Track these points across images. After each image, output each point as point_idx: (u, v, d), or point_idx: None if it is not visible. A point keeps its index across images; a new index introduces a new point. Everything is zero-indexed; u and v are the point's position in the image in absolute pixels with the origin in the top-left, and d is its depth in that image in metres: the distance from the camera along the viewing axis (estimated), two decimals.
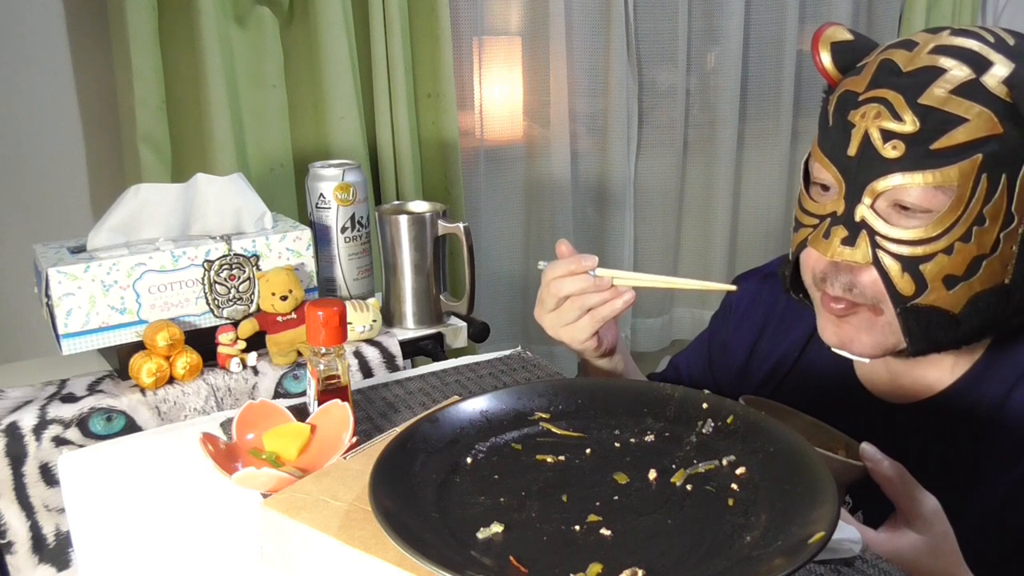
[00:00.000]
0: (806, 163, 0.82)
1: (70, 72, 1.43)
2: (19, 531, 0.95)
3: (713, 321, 1.10)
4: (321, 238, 1.22)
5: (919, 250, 0.73)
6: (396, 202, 1.40)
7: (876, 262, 0.75)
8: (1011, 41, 0.75)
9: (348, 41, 1.47)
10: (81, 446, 0.91)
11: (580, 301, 0.89)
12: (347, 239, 1.22)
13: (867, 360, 0.82)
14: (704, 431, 0.66)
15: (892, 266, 0.74)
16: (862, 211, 0.75)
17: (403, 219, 1.18)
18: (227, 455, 0.70)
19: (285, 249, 1.09)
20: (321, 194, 1.21)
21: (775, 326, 0.99)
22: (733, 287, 0.88)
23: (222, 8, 1.39)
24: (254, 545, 0.61)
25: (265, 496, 0.63)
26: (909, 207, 0.74)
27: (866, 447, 0.71)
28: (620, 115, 1.89)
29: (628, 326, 2.05)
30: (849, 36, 0.82)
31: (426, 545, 0.51)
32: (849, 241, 0.76)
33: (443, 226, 1.19)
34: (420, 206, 1.24)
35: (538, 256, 1.91)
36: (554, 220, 1.88)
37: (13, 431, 0.93)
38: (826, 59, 0.81)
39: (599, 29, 1.84)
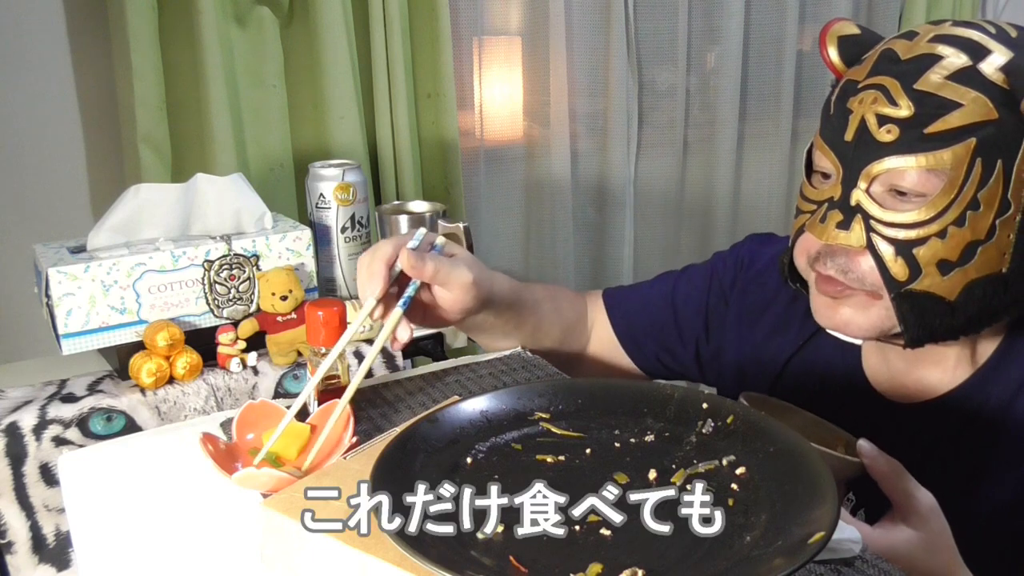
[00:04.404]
0: (809, 152, 0.83)
1: (70, 72, 1.43)
2: (19, 531, 0.95)
3: (717, 262, 1.06)
4: (321, 238, 1.22)
5: (912, 234, 0.74)
6: (396, 202, 1.40)
7: (870, 245, 0.75)
8: (1013, 33, 0.75)
9: (348, 41, 1.47)
10: (81, 446, 0.91)
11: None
12: (347, 239, 1.22)
13: (860, 342, 0.82)
14: (704, 431, 0.66)
15: (886, 250, 0.75)
16: (857, 195, 0.75)
17: (403, 219, 1.18)
18: (227, 455, 0.70)
19: (285, 249, 1.09)
20: (321, 194, 1.21)
21: (781, 310, 0.98)
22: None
23: (222, 8, 1.38)
24: (254, 545, 0.61)
25: (265, 496, 0.63)
26: (903, 191, 0.74)
27: (863, 443, 0.72)
28: (620, 115, 1.89)
29: None
30: (856, 30, 0.83)
31: (426, 545, 0.51)
32: (844, 225, 0.76)
33: (443, 226, 1.19)
34: (420, 206, 1.24)
35: (538, 256, 1.91)
36: (554, 220, 1.88)
37: (13, 431, 0.93)
38: (833, 53, 0.82)
39: (599, 29, 1.84)
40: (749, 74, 2.03)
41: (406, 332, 0.78)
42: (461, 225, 1.19)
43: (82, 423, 0.96)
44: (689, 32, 1.94)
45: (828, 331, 0.83)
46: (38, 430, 0.94)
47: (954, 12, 2.10)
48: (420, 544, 0.51)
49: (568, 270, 1.91)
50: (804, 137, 2.13)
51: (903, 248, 0.74)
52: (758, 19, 2.00)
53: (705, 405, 0.68)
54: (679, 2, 1.90)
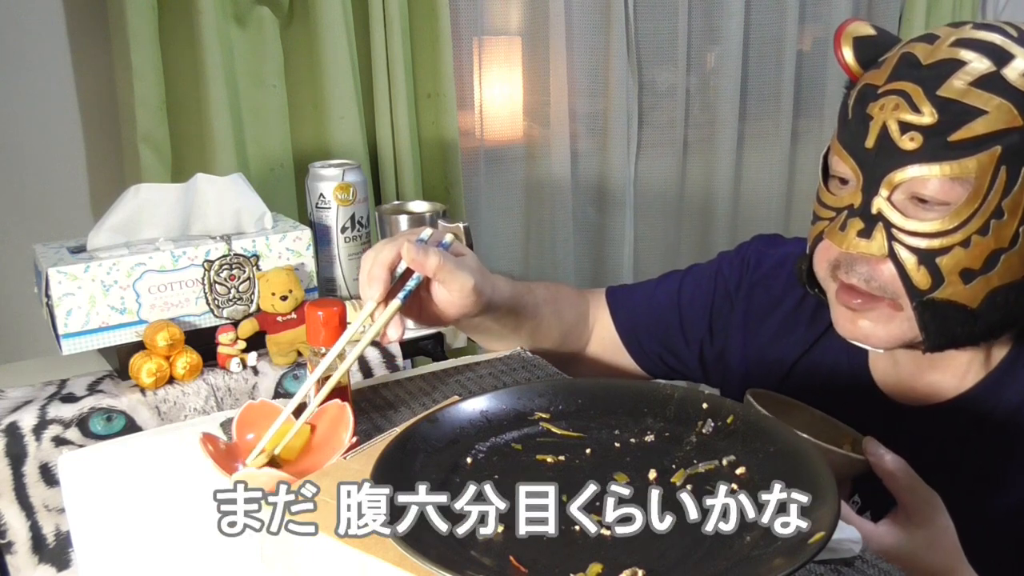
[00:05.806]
0: (825, 157, 0.82)
1: (70, 72, 1.43)
2: (19, 531, 0.95)
3: (723, 263, 1.04)
4: (321, 238, 1.22)
5: (935, 243, 0.73)
6: (396, 202, 1.40)
7: (892, 254, 0.74)
8: None
9: (348, 41, 1.47)
10: (81, 446, 0.91)
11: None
12: (347, 239, 1.22)
13: (882, 350, 0.81)
14: (704, 431, 0.66)
15: (908, 259, 0.74)
16: (879, 203, 0.74)
17: (403, 219, 1.18)
18: (227, 455, 0.70)
19: (285, 249, 1.09)
20: (321, 194, 1.21)
21: (787, 312, 0.97)
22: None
23: (222, 8, 1.39)
24: (254, 545, 0.61)
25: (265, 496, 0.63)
26: (926, 199, 0.73)
27: (869, 441, 0.71)
28: (620, 115, 1.89)
29: None
30: (872, 31, 0.82)
31: (426, 545, 0.51)
32: (865, 233, 0.75)
33: (443, 226, 1.19)
34: (420, 206, 1.24)
35: (538, 256, 1.91)
36: (554, 220, 1.88)
37: (13, 431, 0.93)
38: (848, 54, 0.81)
39: (599, 29, 1.84)
40: (749, 74, 2.03)
41: (396, 331, 0.77)
42: (461, 225, 1.19)
43: (82, 423, 0.96)
44: (689, 32, 1.94)
45: (838, 334, 0.82)
46: (38, 430, 0.94)
47: (954, 12, 2.10)
48: (420, 544, 0.51)
49: (568, 270, 1.91)
50: (804, 137, 2.13)
51: (926, 257, 0.73)
52: (758, 19, 2.00)
53: (705, 405, 0.68)
54: (679, 2, 1.90)
